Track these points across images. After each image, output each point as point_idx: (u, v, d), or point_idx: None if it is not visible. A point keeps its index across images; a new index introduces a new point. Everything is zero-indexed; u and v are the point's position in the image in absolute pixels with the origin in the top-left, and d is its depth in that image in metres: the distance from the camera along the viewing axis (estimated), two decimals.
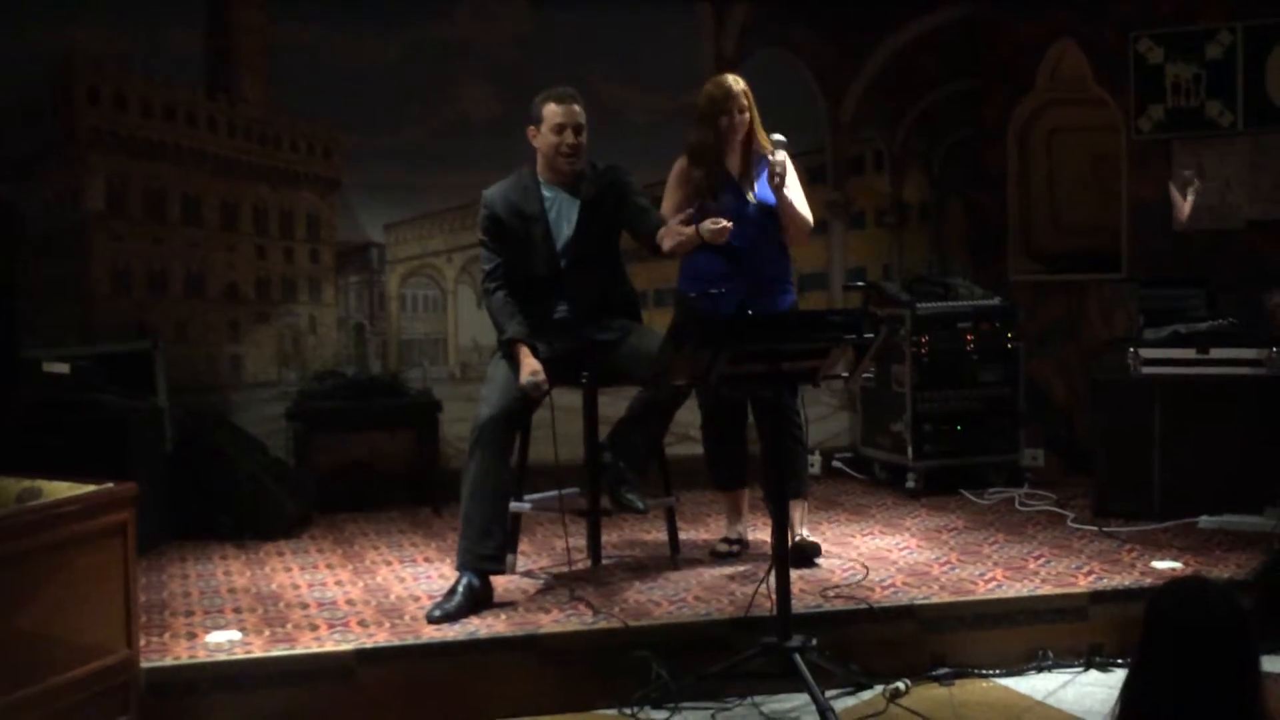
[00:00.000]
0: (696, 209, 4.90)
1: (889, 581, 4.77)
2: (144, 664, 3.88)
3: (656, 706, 4.06)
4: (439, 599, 4.51)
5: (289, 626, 4.34)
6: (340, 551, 5.52)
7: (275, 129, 6.73)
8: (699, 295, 4.81)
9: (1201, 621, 2.41)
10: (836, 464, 7.00)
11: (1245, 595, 3.99)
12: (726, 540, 5.30)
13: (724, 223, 4.74)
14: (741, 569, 5.02)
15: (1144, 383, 5.68)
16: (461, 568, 4.56)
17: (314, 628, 4.32)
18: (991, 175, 7.35)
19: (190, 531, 5.73)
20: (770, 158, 4.86)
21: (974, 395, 6.42)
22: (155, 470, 5.60)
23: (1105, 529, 5.45)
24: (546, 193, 4.84)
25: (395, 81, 6.71)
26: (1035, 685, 4.31)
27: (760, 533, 5.37)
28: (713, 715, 4.04)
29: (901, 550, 5.29)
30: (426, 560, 5.30)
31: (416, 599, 4.66)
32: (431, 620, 4.36)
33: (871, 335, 4.17)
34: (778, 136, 4.88)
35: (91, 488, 3.70)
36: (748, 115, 4.98)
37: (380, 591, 4.79)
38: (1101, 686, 4.28)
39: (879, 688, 4.19)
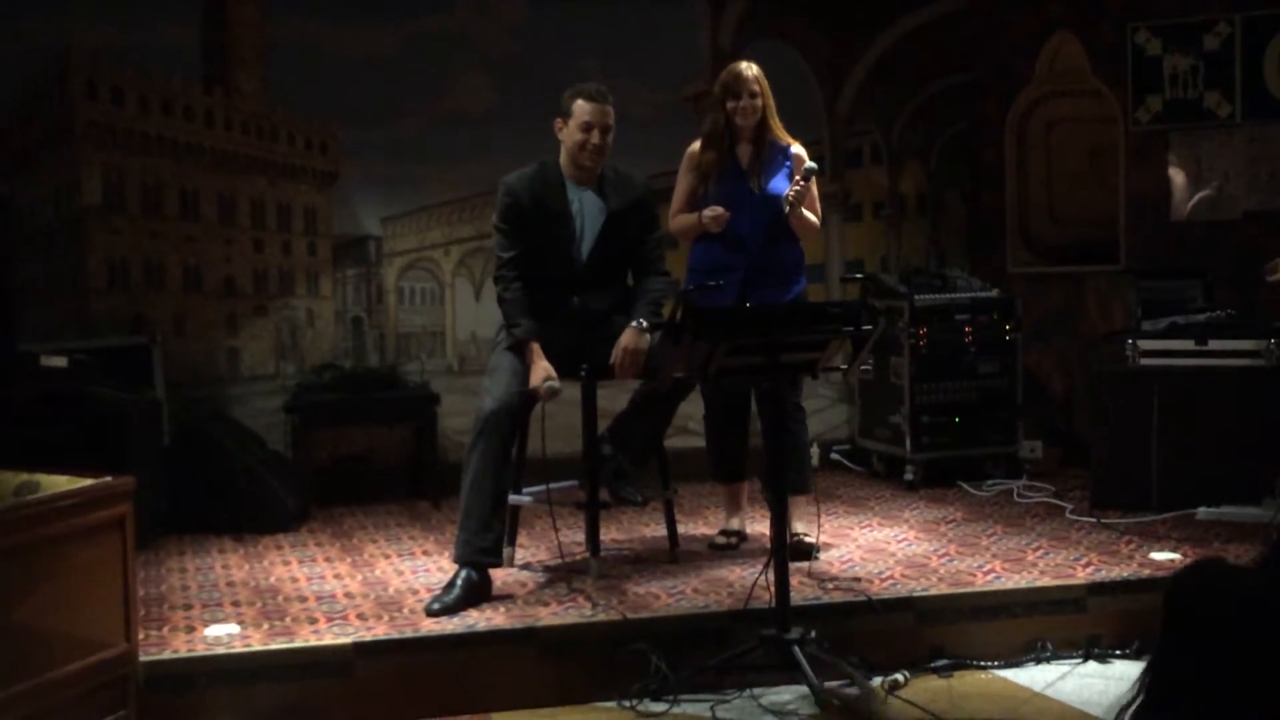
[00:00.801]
0: (701, 195, 4.92)
1: (888, 574, 4.77)
2: (142, 657, 3.88)
3: (655, 699, 4.06)
4: (438, 592, 4.51)
5: (287, 620, 4.34)
6: (339, 545, 5.52)
7: (272, 122, 6.72)
8: (698, 288, 4.81)
9: (1225, 602, 2.38)
10: (835, 456, 7.00)
11: None
12: (724, 533, 5.31)
13: (721, 210, 4.75)
14: (740, 561, 5.02)
15: (1142, 374, 5.69)
16: (460, 561, 4.55)
17: (312, 621, 4.32)
18: (989, 167, 7.35)
19: (188, 525, 5.73)
20: (801, 180, 4.91)
21: (972, 387, 6.42)
22: (153, 464, 5.60)
23: (1103, 520, 5.45)
24: (571, 190, 4.83)
25: (393, 74, 6.70)
26: (1034, 676, 4.31)
27: (759, 525, 5.37)
28: (712, 707, 4.04)
29: (900, 542, 5.29)
30: (425, 553, 5.30)
31: (415, 592, 4.66)
32: (430, 613, 4.36)
33: (869, 327, 4.17)
34: (810, 165, 4.96)
35: (89, 482, 3.70)
36: (759, 101, 4.98)
37: (379, 585, 4.79)
38: (1100, 678, 4.29)
39: (878, 679, 4.19)
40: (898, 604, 4.45)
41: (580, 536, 5.04)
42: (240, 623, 4.30)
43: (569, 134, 4.77)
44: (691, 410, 5.51)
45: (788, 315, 4.45)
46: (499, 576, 4.72)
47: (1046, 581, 4.61)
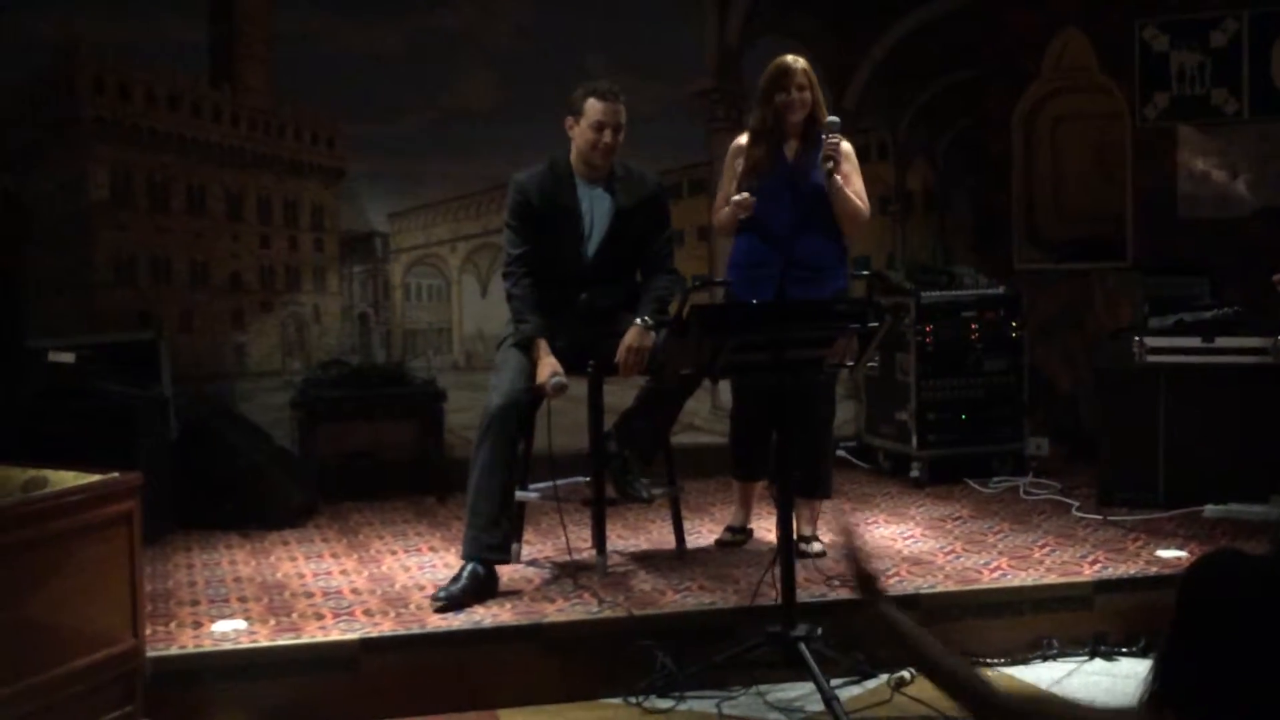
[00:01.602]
0: (744, 189, 4.89)
1: (894, 570, 4.76)
2: (149, 653, 3.88)
3: (662, 695, 4.05)
4: (444, 584, 4.52)
5: (294, 616, 4.34)
6: (345, 541, 5.52)
7: (279, 118, 6.73)
8: (705, 282, 4.79)
9: (1239, 591, 2.36)
10: (841, 453, 6.99)
11: None
12: (730, 529, 5.30)
13: (748, 195, 4.74)
14: (746, 558, 5.02)
15: (1149, 371, 5.67)
16: (467, 557, 4.56)
17: (319, 617, 4.32)
18: (996, 164, 7.34)
19: (195, 521, 5.73)
20: (824, 138, 4.80)
21: (978, 384, 6.41)
22: (160, 459, 5.61)
23: (1110, 518, 5.45)
24: (581, 187, 4.83)
25: (399, 70, 6.71)
26: (1040, 674, 4.31)
27: (766, 521, 5.37)
28: (718, 704, 4.03)
29: (906, 539, 5.29)
30: (431, 549, 5.30)
31: (421, 588, 4.66)
32: (436, 604, 4.37)
33: (876, 324, 4.15)
34: (832, 119, 4.84)
35: (97, 477, 3.70)
36: (807, 95, 4.90)
37: (385, 580, 4.80)
38: (1106, 675, 4.28)
39: (884, 676, 4.19)
40: (904, 601, 4.43)
41: (586, 533, 5.04)
42: (247, 618, 4.31)
43: (581, 132, 4.76)
44: (698, 407, 5.52)
45: (793, 312, 4.44)
46: (505, 573, 4.72)
47: (1053, 579, 4.60)
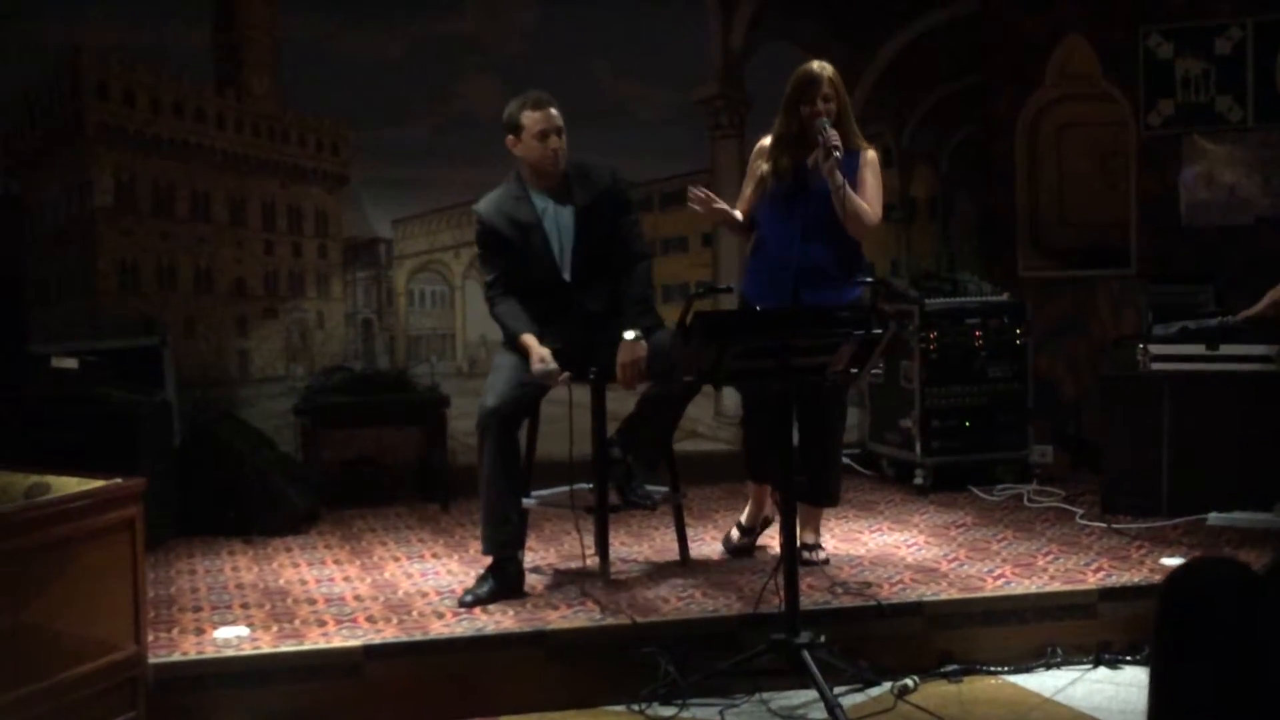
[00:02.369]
0: (764, 194, 4.88)
1: (897, 578, 4.76)
2: (152, 659, 3.88)
3: (664, 703, 4.05)
4: (471, 585, 4.57)
5: (297, 622, 4.34)
6: (348, 547, 5.52)
7: (283, 124, 6.73)
8: (708, 289, 4.77)
9: (1218, 600, 2.35)
10: (844, 460, 6.97)
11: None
12: (739, 527, 5.26)
13: (703, 192, 4.74)
14: (750, 565, 5.02)
15: (1153, 379, 5.67)
16: (488, 554, 4.62)
17: (322, 624, 4.32)
18: (1000, 171, 7.34)
19: (198, 527, 5.74)
20: (825, 140, 4.65)
21: (982, 391, 6.40)
22: (163, 465, 5.61)
23: (1114, 525, 5.44)
24: (537, 200, 4.84)
25: (403, 76, 6.71)
26: (1044, 682, 4.30)
27: (771, 529, 5.37)
28: (721, 712, 4.03)
29: (910, 547, 5.28)
30: (434, 556, 5.30)
31: (424, 595, 4.66)
32: (463, 604, 4.43)
33: (880, 331, 4.15)
34: (821, 119, 4.72)
35: (100, 483, 3.70)
36: (833, 106, 4.77)
37: (388, 587, 4.79)
38: (1110, 683, 4.27)
39: (887, 684, 4.18)
40: (907, 608, 4.44)
41: (589, 540, 5.04)
42: (250, 625, 4.30)
43: (527, 147, 4.77)
44: (701, 414, 5.51)
45: (797, 319, 4.43)
46: None
47: (1057, 587, 4.59)
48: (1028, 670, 4.37)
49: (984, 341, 6.40)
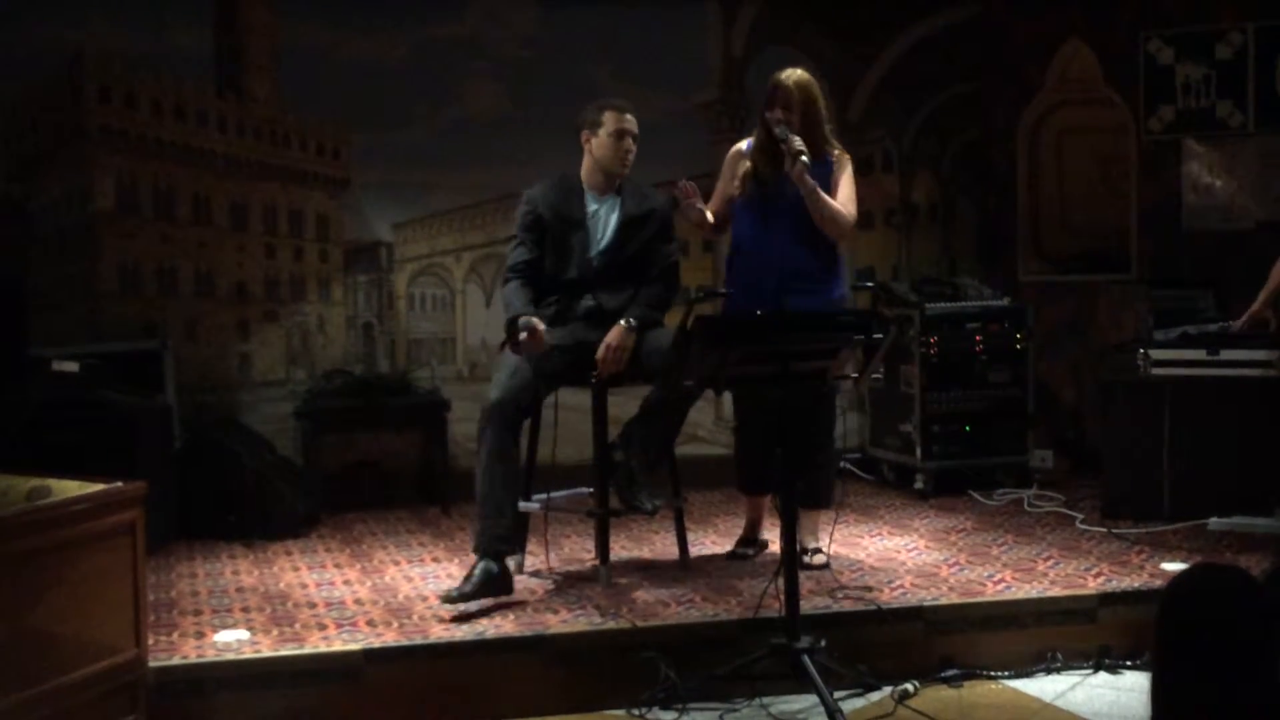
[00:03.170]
0: (740, 195, 4.90)
1: (898, 583, 4.76)
2: (152, 663, 3.88)
3: (665, 707, 4.05)
4: (458, 582, 4.55)
5: (297, 626, 4.34)
6: (348, 551, 5.52)
7: (285, 128, 6.74)
8: (709, 293, 4.78)
9: (1219, 606, 2.35)
10: (845, 465, 6.97)
11: None
12: (743, 541, 5.28)
13: (692, 186, 4.77)
14: (750, 570, 5.01)
15: (1153, 384, 5.67)
16: (476, 550, 4.58)
17: (322, 627, 4.32)
18: (1001, 176, 7.34)
19: (198, 530, 5.74)
20: (788, 148, 4.70)
21: (983, 396, 6.40)
22: (164, 469, 5.61)
23: (1114, 530, 5.44)
24: (590, 201, 4.89)
25: (405, 80, 6.71)
26: (1044, 687, 4.30)
27: (769, 533, 5.36)
28: (721, 716, 4.03)
29: (910, 551, 5.28)
30: (435, 560, 5.30)
31: (425, 598, 4.66)
32: (449, 601, 4.40)
33: (880, 336, 4.15)
34: (779, 128, 4.76)
35: (100, 486, 3.70)
36: (794, 115, 4.80)
37: (388, 591, 4.79)
38: (1110, 688, 4.28)
39: (887, 689, 4.18)
40: (908, 613, 4.44)
41: (590, 544, 5.04)
42: (250, 628, 4.30)
43: (600, 143, 4.84)
44: (702, 418, 5.51)
45: (798, 324, 4.44)
46: None
47: (1057, 591, 4.59)
48: (1028, 675, 4.37)
49: (984, 346, 6.40)
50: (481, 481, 4.62)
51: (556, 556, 5.26)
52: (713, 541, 5.50)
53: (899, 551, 5.28)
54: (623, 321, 4.74)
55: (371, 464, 6.40)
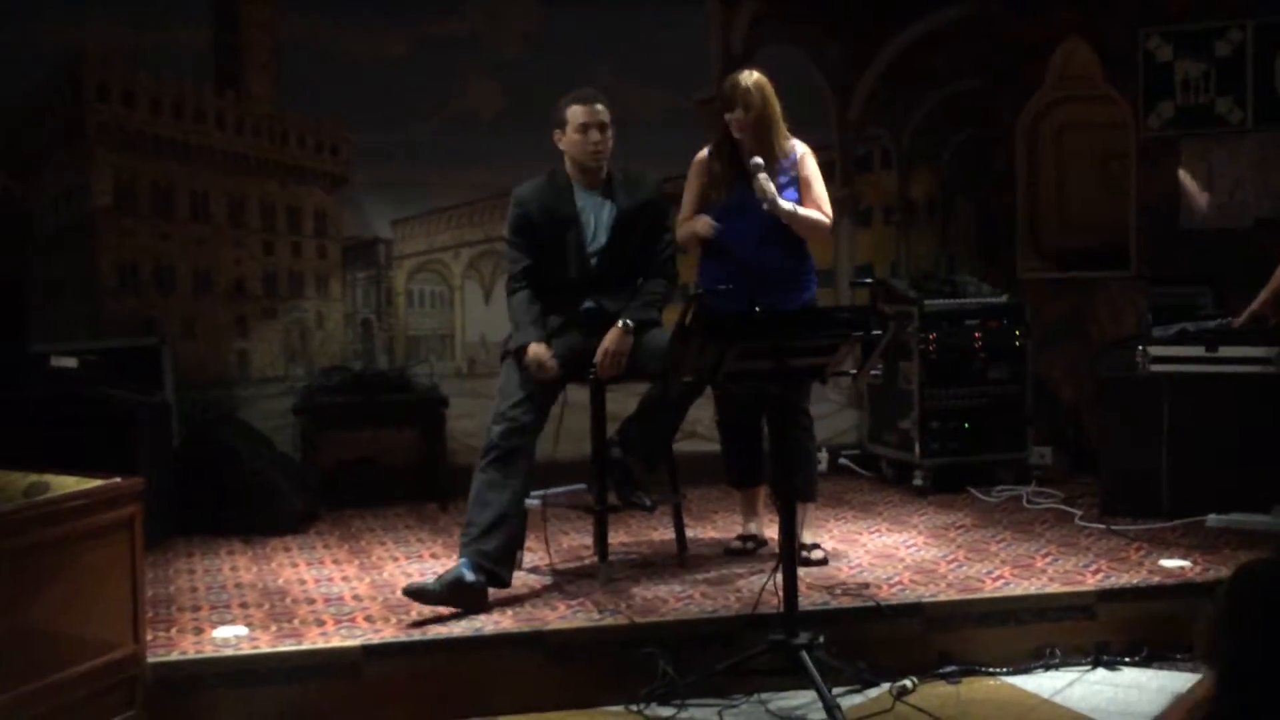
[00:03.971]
0: (712, 203, 4.91)
1: (896, 579, 4.76)
2: (150, 659, 3.88)
3: (663, 703, 4.05)
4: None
5: (295, 622, 4.34)
6: (347, 547, 5.52)
7: (283, 125, 6.73)
8: (708, 292, 4.78)
9: None
10: (843, 461, 6.99)
11: None
12: (741, 538, 5.29)
13: (707, 219, 4.78)
14: (749, 566, 5.02)
15: (1152, 381, 5.67)
16: (461, 557, 4.56)
17: (320, 623, 4.32)
18: (1000, 173, 7.34)
19: (197, 527, 5.74)
20: (761, 192, 4.77)
21: (982, 393, 6.40)
22: (162, 465, 5.61)
23: (1113, 527, 5.44)
24: (579, 196, 4.86)
25: (403, 78, 6.71)
26: (1042, 683, 4.30)
27: (771, 530, 5.36)
28: (719, 712, 4.03)
29: (909, 548, 5.28)
30: (433, 556, 5.30)
31: None
32: (405, 591, 4.41)
33: (879, 332, 4.15)
34: (755, 161, 4.79)
35: (99, 482, 3.70)
36: (752, 115, 4.85)
37: (386, 587, 4.79)
38: (1108, 685, 4.28)
39: (886, 685, 4.18)
40: (906, 609, 4.45)
41: (588, 540, 5.04)
42: (248, 625, 4.31)
43: (568, 141, 4.81)
44: (700, 414, 5.50)
45: (797, 320, 4.45)
46: None
47: (1055, 588, 4.60)
48: (1026, 671, 4.38)
49: (983, 343, 6.40)
50: (470, 508, 4.62)
51: (555, 553, 5.26)
52: (712, 537, 5.50)
53: (897, 548, 5.29)
54: (619, 324, 4.73)
55: (370, 460, 6.40)
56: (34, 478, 3.79)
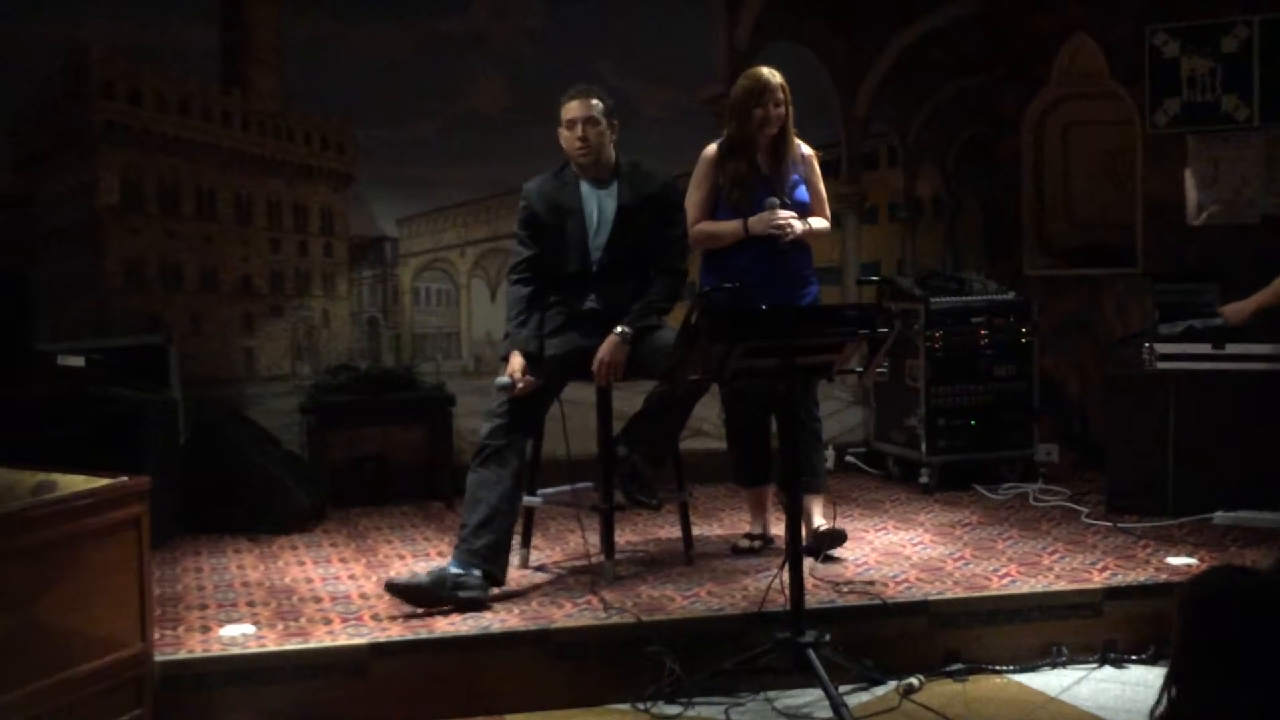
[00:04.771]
0: (729, 206, 4.92)
1: (903, 577, 4.76)
2: (158, 657, 3.89)
3: (669, 701, 4.05)
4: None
5: (302, 620, 4.34)
6: (354, 545, 5.52)
7: (289, 123, 6.74)
8: (714, 289, 4.77)
9: (1240, 608, 2.34)
10: (850, 459, 6.99)
11: None
12: (749, 536, 5.28)
13: (781, 214, 4.87)
14: (755, 564, 5.01)
15: (1159, 378, 5.66)
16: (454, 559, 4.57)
17: (327, 621, 4.32)
18: (1006, 169, 7.33)
19: (204, 525, 5.74)
20: (770, 216, 4.88)
21: (988, 390, 6.40)
22: (169, 464, 5.61)
23: (1119, 524, 5.44)
24: (584, 189, 4.87)
25: (408, 75, 6.71)
26: (1049, 681, 4.30)
27: (778, 528, 5.36)
28: (726, 710, 4.03)
29: (915, 545, 5.28)
30: (440, 554, 5.29)
31: None
32: (387, 585, 4.44)
33: (885, 330, 4.15)
34: (770, 199, 4.90)
35: (106, 481, 3.70)
36: (784, 110, 4.93)
37: None
38: (1116, 682, 4.27)
39: (892, 683, 4.18)
40: (913, 607, 4.44)
41: (595, 539, 5.04)
42: (255, 623, 4.31)
43: (561, 137, 4.85)
44: (706, 413, 5.50)
45: (804, 318, 4.45)
46: (514, 577, 4.74)
47: (1062, 586, 4.59)
48: (1033, 669, 4.37)
49: (989, 340, 6.40)
50: (465, 506, 4.65)
51: (561, 551, 5.27)
52: (718, 536, 5.50)
53: (904, 546, 5.28)
54: (616, 333, 4.72)
55: (376, 458, 6.41)
56: (41, 476, 3.80)
